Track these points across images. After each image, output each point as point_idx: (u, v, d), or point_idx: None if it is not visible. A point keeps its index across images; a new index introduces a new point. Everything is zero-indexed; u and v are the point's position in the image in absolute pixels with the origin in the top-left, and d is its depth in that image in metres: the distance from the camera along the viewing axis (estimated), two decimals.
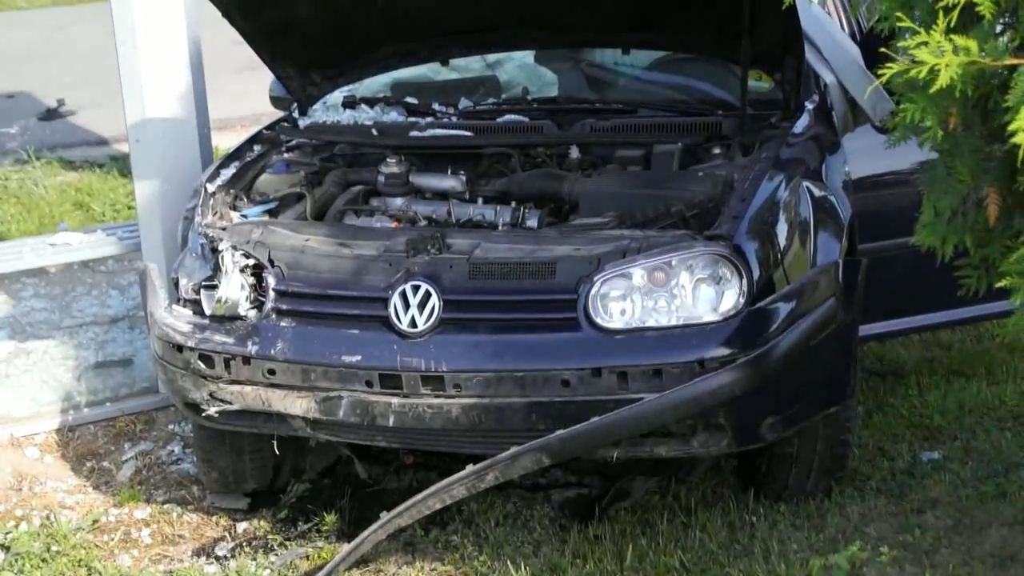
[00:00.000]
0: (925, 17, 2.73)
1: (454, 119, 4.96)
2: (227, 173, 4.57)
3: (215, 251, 4.15)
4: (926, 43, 2.55)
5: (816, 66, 4.69)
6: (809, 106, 4.61)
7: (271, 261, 4.08)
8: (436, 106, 5.05)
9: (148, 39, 5.02)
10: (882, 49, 2.89)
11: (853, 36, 4.99)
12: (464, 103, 5.08)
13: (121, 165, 8.35)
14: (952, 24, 2.59)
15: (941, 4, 2.60)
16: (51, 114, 9.97)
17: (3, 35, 13.11)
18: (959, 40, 2.56)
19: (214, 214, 4.38)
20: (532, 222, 4.29)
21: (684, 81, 5.07)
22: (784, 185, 4.10)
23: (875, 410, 5.16)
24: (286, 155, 4.79)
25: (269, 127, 5.00)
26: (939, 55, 2.53)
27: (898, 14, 2.74)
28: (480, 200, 4.47)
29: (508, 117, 4.89)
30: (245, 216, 4.42)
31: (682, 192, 4.19)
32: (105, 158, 8.88)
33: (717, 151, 4.46)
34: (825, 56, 4.71)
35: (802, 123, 4.51)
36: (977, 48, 2.55)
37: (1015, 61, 2.56)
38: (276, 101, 5.69)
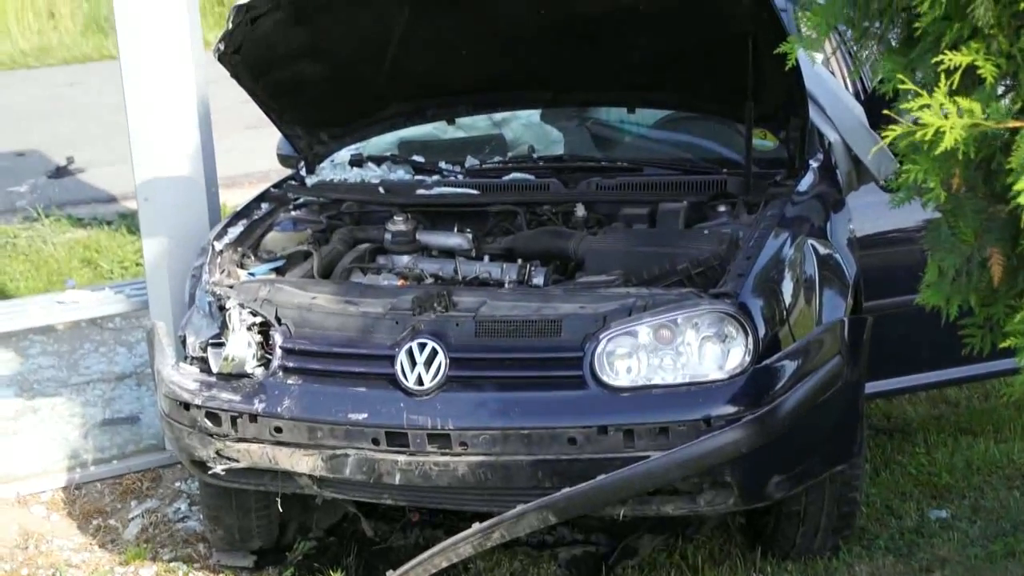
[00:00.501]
0: (928, 79, 2.75)
1: (460, 177, 4.99)
2: (235, 231, 4.60)
3: (222, 309, 4.16)
4: (928, 105, 2.57)
5: (820, 125, 4.73)
6: (813, 164, 4.63)
7: (278, 319, 4.09)
8: (442, 164, 5.08)
9: (157, 98, 5.05)
10: (886, 112, 2.91)
11: (857, 95, 5.02)
12: (470, 161, 5.11)
13: (129, 222, 8.38)
14: (954, 86, 2.61)
15: (943, 67, 2.62)
16: (60, 172, 10.00)
17: (13, 93, 13.18)
18: (963, 102, 2.58)
19: (221, 272, 4.39)
20: (538, 280, 4.29)
21: (689, 140, 5.10)
22: (789, 243, 4.11)
23: (882, 468, 5.14)
24: (293, 213, 4.81)
25: (276, 185, 5.03)
26: (942, 117, 2.55)
27: (900, 76, 2.76)
28: (486, 258, 4.48)
29: (514, 175, 4.91)
30: (252, 274, 4.44)
31: (688, 250, 4.20)
32: (114, 216, 8.92)
33: (722, 209, 4.48)
34: (829, 115, 4.75)
35: (806, 181, 4.53)
36: (980, 110, 2.57)
37: (1018, 124, 2.58)
38: (284, 159, 5.72)
